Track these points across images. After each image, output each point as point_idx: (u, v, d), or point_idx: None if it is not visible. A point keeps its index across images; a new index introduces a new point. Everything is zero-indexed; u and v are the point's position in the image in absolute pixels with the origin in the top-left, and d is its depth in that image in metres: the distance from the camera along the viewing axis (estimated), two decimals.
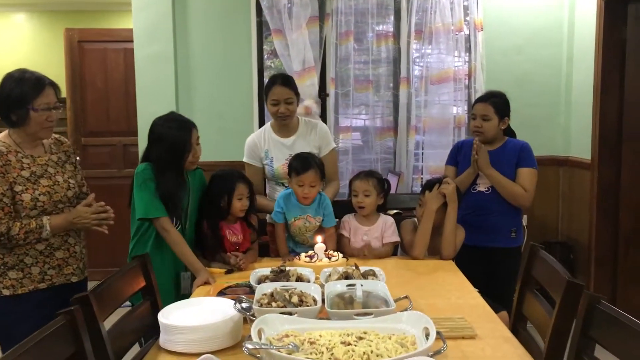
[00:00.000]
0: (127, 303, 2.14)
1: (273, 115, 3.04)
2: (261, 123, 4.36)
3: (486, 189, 3.05)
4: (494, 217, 3.04)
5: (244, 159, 3.16)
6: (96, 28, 5.32)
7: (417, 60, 4.38)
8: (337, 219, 2.96)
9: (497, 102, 3.05)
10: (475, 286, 2.41)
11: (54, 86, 2.37)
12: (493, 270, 3.01)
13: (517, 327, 2.20)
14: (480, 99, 3.13)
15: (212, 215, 2.75)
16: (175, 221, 2.66)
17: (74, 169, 2.57)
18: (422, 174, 4.42)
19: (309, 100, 4.11)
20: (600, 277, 3.86)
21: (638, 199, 3.78)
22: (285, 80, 3.03)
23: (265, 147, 3.12)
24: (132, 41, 4.21)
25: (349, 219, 2.95)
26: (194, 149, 2.65)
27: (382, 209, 2.98)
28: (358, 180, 2.91)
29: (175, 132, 2.61)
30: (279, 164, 3.08)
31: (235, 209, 2.75)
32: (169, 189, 2.57)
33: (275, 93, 2.98)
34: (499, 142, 3.10)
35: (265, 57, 4.48)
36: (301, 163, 2.81)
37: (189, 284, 2.66)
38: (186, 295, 2.62)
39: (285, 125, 3.10)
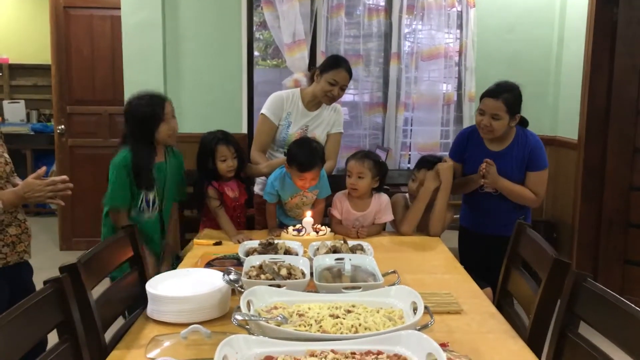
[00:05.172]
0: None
1: (321, 92, 2.98)
2: (250, 94, 4.32)
3: (494, 190, 2.86)
4: (503, 214, 2.88)
5: (264, 111, 3.08)
6: None
7: (408, 35, 4.35)
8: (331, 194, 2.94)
9: (510, 98, 2.74)
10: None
11: None
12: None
13: (502, 304, 2.22)
14: (491, 94, 2.77)
15: (206, 177, 2.80)
16: (153, 201, 2.67)
17: (3, 142, 2.38)
18: (410, 151, 4.44)
19: (298, 73, 4.08)
20: (583, 256, 3.92)
21: (622, 180, 3.82)
22: (349, 67, 3.00)
23: (288, 109, 3.08)
24: (119, 8, 4.14)
25: (341, 199, 2.85)
26: (168, 121, 2.66)
27: (378, 190, 2.87)
28: (353, 161, 2.78)
29: (145, 107, 2.63)
30: (295, 130, 3.06)
31: (221, 170, 2.80)
32: (141, 161, 2.60)
33: (339, 76, 2.95)
34: (507, 140, 2.86)
35: (254, 28, 4.43)
36: (306, 158, 2.67)
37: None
38: None
39: (320, 102, 3.09)
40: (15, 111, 6.51)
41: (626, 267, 3.84)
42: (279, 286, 1.78)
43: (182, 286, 1.84)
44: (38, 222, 5.76)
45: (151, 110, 2.62)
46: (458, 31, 4.31)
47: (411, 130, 4.43)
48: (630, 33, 3.72)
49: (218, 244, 2.61)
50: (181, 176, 2.90)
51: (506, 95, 2.74)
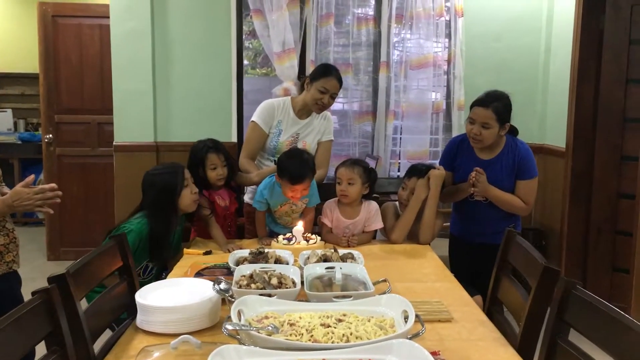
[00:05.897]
0: None
1: (312, 100, 3.00)
2: (240, 103, 4.32)
3: (483, 199, 2.87)
4: (493, 222, 2.88)
5: (254, 119, 3.07)
6: (71, 2, 5.19)
7: (397, 44, 4.37)
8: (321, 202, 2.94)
9: (499, 107, 2.74)
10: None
11: None
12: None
13: (492, 311, 2.23)
14: (481, 103, 2.78)
15: (197, 185, 2.75)
16: (151, 269, 2.60)
17: None
18: (399, 159, 4.44)
19: (288, 82, 4.08)
20: (572, 263, 3.93)
21: (610, 188, 3.84)
22: (339, 75, 3.03)
23: (279, 117, 3.08)
24: (108, 17, 4.12)
25: (331, 207, 2.86)
26: (190, 185, 2.63)
27: (367, 197, 2.89)
28: (343, 168, 2.81)
29: (167, 175, 2.60)
30: (285, 138, 3.07)
31: (211, 178, 2.83)
32: (160, 234, 2.51)
33: (329, 84, 2.96)
34: (497, 149, 2.87)
35: (244, 37, 4.43)
36: (297, 171, 2.68)
37: None
38: None
39: (311, 110, 3.09)
40: (3, 120, 6.47)
41: (614, 274, 3.86)
42: (269, 295, 1.78)
43: (172, 296, 1.83)
44: (25, 232, 5.71)
45: (174, 177, 2.58)
46: (446, 40, 4.33)
47: (400, 138, 4.43)
48: (617, 41, 3.75)
49: (208, 253, 2.60)
50: (181, 235, 2.82)
51: (496, 104, 2.75)
